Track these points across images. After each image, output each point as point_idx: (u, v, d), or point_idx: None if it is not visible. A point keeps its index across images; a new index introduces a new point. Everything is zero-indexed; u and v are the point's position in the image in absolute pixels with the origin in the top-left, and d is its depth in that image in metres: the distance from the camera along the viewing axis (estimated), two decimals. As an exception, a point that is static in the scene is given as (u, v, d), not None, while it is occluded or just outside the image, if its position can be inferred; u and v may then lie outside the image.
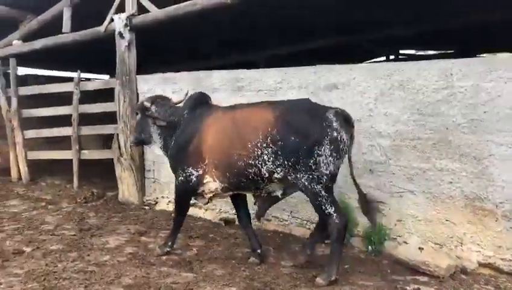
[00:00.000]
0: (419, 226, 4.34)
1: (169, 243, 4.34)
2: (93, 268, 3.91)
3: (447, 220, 4.19)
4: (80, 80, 6.88)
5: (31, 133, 7.62)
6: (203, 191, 4.09)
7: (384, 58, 13.20)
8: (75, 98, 6.83)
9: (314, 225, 4.89)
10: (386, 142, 4.45)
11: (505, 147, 3.82)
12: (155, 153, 5.38)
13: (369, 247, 4.47)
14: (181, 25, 6.68)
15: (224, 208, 5.52)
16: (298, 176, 3.56)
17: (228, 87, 5.47)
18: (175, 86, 5.94)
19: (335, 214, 3.56)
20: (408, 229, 4.40)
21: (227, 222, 5.46)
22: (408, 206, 4.39)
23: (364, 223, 4.58)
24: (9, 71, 7.69)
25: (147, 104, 4.45)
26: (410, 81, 4.28)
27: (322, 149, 3.49)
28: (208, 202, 4.29)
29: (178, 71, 6.19)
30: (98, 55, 9.03)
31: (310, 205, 4.86)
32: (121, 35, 6.14)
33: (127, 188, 6.31)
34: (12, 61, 7.60)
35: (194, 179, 4.01)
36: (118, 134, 6.36)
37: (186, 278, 3.74)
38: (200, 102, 4.33)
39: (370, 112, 4.52)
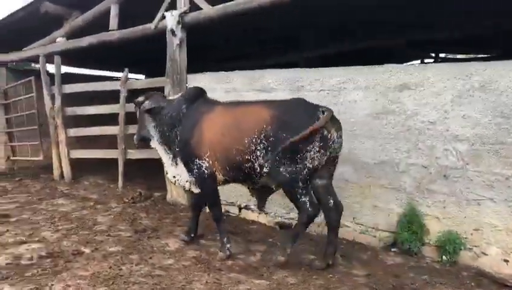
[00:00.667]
0: (500, 236, 4.07)
1: (225, 241, 4.21)
2: (159, 272, 3.75)
3: (532, 231, 3.93)
4: (127, 78, 6.76)
5: (74, 132, 7.53)
6: None
7: (419, 61, 12.86)
8: (122, 96, 6.72)
9: (379, 233, 4.70)
10: (464, 147, 4.20)
11: None
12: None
13: (443, 257, 4.22)
14: (230, 23, 6.51)
15: (279, 212, 5.32)
16: (281, 169, 3.73)
17: (286, 86, 5.28)
18: (228, 85, 5.78)
19: (309, 202, 3.74)
20: (486, 239, 4.13)
21: (283, 226, 5.26)
22: (487, 214, 4.12)
23: (436, 231, 4.35)
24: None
25: (141, 99, 4.59)
26: (493, 82, 4.02)
27: (311, 145, 3.65)
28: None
29: (225, 70, 6.04)
30: (135, 54, 8.98)
31: (376, 211, 4.70)
32: (173, 32, 5.99)
33: (175, 188, 6.14)
34: (56, 59, 7.54)
35: (205, 169, 4.10)
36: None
37: (260, 286, 3.55)
38: (198, 96, 4.44)
39: (446, 114, 4.27)
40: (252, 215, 5.56)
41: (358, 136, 4.77)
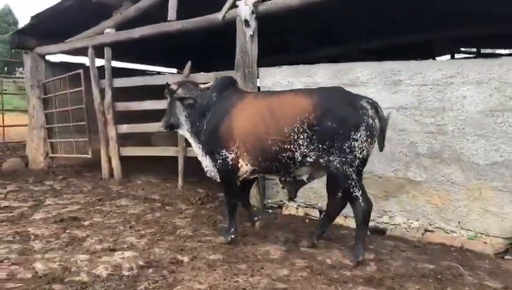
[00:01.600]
0: None
1: (232, 230, 4.27)
2: (282, 285, 3.38)
3: None
4: (190, 72, 6.36)
5: (126, 128, 7.13)
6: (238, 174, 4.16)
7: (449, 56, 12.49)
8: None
9: (490, 239, 4.37)
10: None
11: None
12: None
13: None
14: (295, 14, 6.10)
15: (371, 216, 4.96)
16: (331, 158, 3.70)
17: (379, 81, 4.91)
18: (309, 79, 5.40)
19: (361, 198, 3.72)
20: None
21: (375, 231, 4.91)
22: None
23: None
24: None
25: (174, 86, 4.50)
26: None
27: (358, 134, 3.63)
28: None
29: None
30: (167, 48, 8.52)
31: (487, 215, 4.37)
32: (246, 23, 5.60)
33: (246, 189, 5.78)
34: (107, 51, 7.14)
35: (230, 161, 4.06)
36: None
37: (401, 301, 3.20)
38: (228, 86, 4.41)
39: None
40: (338, 219, 5.17)
41: (467, 134, 4.42)
